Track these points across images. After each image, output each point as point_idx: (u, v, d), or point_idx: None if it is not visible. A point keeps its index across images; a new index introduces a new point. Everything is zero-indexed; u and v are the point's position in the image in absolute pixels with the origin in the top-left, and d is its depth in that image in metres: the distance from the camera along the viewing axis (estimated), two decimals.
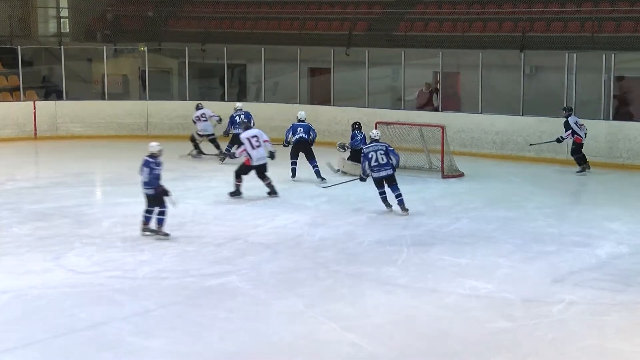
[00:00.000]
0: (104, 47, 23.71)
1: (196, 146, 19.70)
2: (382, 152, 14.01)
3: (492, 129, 20.02)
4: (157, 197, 12.39)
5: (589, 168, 17.83)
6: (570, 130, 17.61)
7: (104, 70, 23.58)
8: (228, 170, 16.03)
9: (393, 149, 14.28)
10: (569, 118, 17.70)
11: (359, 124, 17.68)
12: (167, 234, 12.39)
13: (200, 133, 19.59)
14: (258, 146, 15.18)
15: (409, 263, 11.51)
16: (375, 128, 17.76)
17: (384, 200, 14.17)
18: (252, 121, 17.76)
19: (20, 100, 22.18)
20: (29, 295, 9.95)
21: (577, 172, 17.74)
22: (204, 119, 19.49)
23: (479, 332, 9.03)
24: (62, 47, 23.70)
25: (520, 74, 20.03)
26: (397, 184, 14.07)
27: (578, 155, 17.83)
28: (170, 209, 12.48)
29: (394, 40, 22.90)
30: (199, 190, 16.01)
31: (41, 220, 13.57)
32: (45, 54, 25.26)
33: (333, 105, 22.22)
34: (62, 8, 28.90)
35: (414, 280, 10.76)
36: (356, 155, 16.79)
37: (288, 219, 13.84)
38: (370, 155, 14.05)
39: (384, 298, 10.09)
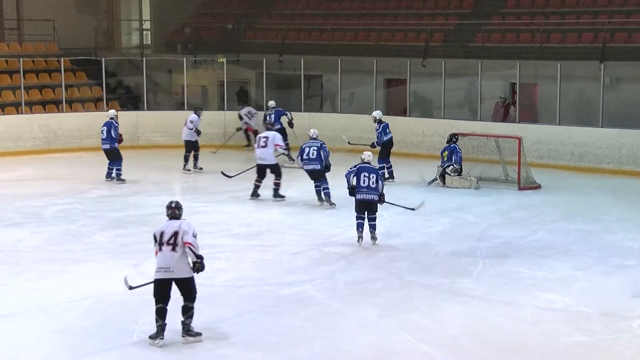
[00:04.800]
0: (184, 59, 24.17)
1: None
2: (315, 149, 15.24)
3: (570, 141, 19.73)
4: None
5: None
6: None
7: (183, 81, 23.99)
8: (303, 181, 16.09)
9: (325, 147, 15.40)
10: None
11: (457, 136, 17.84)
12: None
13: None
14: (263, 146, 15.86)
15: (484, 275, 11.44)
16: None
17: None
18: (277, 122, 19.75)
19: (103, 110, 22.67)
20: (110, 302, 10.17)
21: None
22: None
23: (556, 345, 8.94)
24: (144, 58, 24.22)
25: (600, 85, 19.69)
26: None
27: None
28: None
29: (470, 51, 22.78)
30: (275, 200, 16.12)
31: (122, 228, 13.88)
32: (127, 66, 25.85)
33: (409, 117, 22.26)
34: (145, 21, 29.55)
35: (489, 292, 10.70)
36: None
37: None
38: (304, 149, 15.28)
39: (458, 309, 10.05)
